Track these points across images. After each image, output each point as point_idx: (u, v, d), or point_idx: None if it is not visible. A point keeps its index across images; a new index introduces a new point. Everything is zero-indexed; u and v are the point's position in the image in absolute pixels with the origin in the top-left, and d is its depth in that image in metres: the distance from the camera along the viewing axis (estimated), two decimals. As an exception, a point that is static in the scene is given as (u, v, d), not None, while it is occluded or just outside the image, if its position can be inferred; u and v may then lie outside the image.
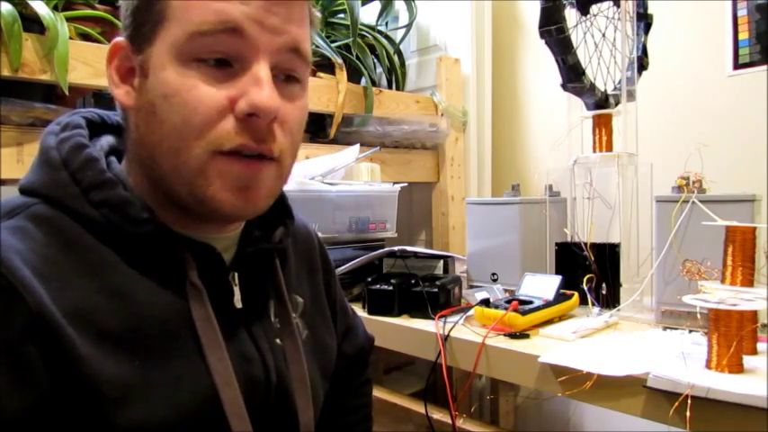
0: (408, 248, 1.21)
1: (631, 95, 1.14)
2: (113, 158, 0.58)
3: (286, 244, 0.67)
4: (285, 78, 0.55)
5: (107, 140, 0.60)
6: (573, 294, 1.06)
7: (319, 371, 0.68)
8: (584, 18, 1.13)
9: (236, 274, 0.60)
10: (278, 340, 0.62)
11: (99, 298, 0.50)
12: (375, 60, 1.67)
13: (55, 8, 1.04)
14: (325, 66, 1.50)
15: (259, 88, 0.51)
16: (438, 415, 1.13)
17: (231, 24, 0.50)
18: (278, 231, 0.65)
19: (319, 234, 1.23)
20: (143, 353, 0.50)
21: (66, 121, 0.58)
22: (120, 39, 0.56)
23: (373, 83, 1.58)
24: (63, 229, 0.51)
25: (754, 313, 0.75)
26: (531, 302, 0.99)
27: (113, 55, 0.56)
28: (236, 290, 0.60)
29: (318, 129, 1.58)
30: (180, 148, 0.51)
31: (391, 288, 1.11)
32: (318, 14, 0.62)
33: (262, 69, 0.52)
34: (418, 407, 1.26)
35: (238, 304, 0.59)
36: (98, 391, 0.47)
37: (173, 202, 0.55)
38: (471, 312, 1.02)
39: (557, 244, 1.17)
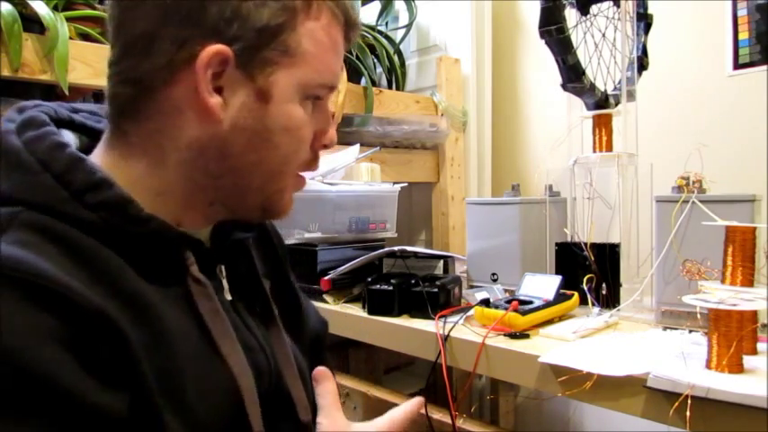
0: (408, 248, 1.21)
1: (631, 95, 1.14)
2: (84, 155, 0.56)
3: (254, 233, 0.68)
4: None
5: (69, 136, 0.57)
6: (573, 294, 1.06)
7: (298, 346, 0.71)
8: (584, 18, 1.13)
9: (222, 267, 0.62)
10: (262, 325, 0.65)
11: (116, 303, 0.48)
12: (375, 60, 1.67)
13: (55, 8, 1.04)
14: (325, 66, 1.49)
15: (333, 127, 0.63)
16: (438, 415, 1.13)
17: (336, 85, 0.61)
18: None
19: (319, 234, 1.23)
20: (167, 357, 0.50)
21: (25, 118, 0.53)
22: (222, 47, 0.52)
23: (373, 83, 1.58)
24: (62, 236, 0.48)
25: (754, 313, 0.75)
26: (531, 302, 0.99)
27: (211, 60, 0.52)
28: (225, 282, 0.62)
29: (318, 129, 1.58)
30: (283, 172, 0.59)
31: (391, 288, 1.11)
32: None
33: (329, 109, 0.63)
34: (418, 407, 1.26)
35: (228, 296, 0.61)
36: (152, 390, 0.47)
37: (208, 203, 0.58)
38: (471, 312, 1.02)
39: (557, 244, 1.17)
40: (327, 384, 0.67)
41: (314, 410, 0.66)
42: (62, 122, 0.58)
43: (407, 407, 0.71)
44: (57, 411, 0.42)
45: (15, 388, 0.40)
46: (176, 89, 0.53)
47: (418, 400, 0.74)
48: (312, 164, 0.62)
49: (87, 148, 0.58)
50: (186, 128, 0.54)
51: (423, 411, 1.01)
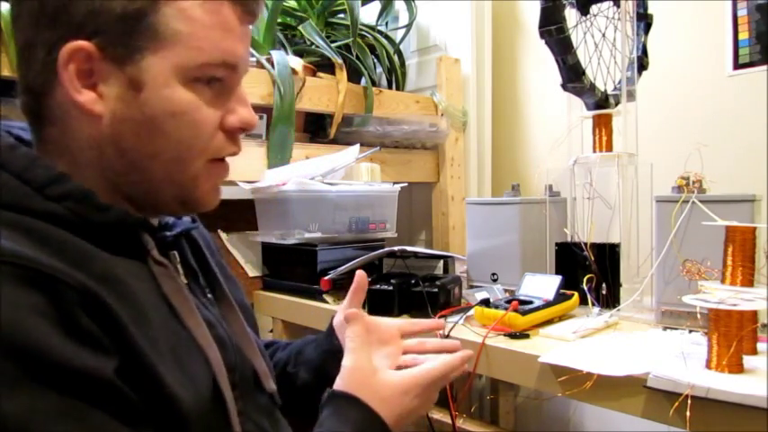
0: (408, 248, 1.21)
1: (631, 95, 1.14)
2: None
3: (196, 221, 0.73)
4: None
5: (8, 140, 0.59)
6: (573, 294, 1.06)
7: (252, 330, 0.73)
8: (584, 18, 1.13)
9: (176, 253, 0.65)
10: (216, 310, 0.68)
11: (96, 286, 0.50)
12: (375, 60, 1.67)
13: (55, 8, 1.04)
14: (325, 66, 1.50)
15: (246, 108, 0.61)
16: (438, 415, 1.13)
17: (233, 63, 0.58)
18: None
19: (319, 234, 1.23)
20: (148, 327, 0.53)
21: None
22: (81, 42, 0.53)
23: (373, 83, 1.58)
24: (32, 230, 0.50)
25: (754, 313, 0.75)
26: (531, 302, 0.99)
27: (71, 58, 0.53)
28: (179, 267, 0.65)
29: (318, 129, 1.58)
30: (185, 159, 0.58)
31: (391, 288, 1.11)
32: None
33: (243, 90, 0.62)
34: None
35: (184, 279, 0.64)
36: (142, 359, 0.50)
37: (127, 198, 0.59)
38: (471, 312, 1.02)
39: (557, 244, 1.17)
40: (356, 327, 0.69)
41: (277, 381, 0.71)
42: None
43: (449, 361, 0.71)
44: (47, 378, 0.45)
45: (6, 359, 0.43)
46: (57, 92, 0.55)
47: (463, 353, 0.74)
48: (227, 148, 0.61)
49: None
50: (79, 128, 0.56)
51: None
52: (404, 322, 0.82)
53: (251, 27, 0.62)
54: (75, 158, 0.57)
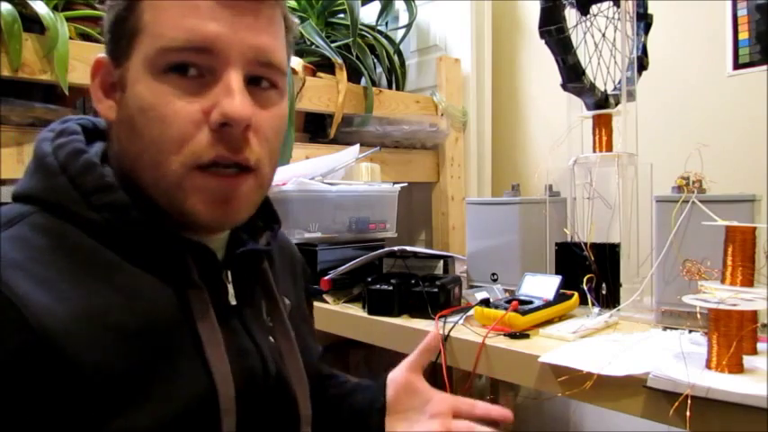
0: (408, 248, 1.21)
1: (631, 95, 1.14)
2: (107, 165, 0.58)
3: (273, 247, 0.68)
4: (260, 85, 0.56)
5: (99, 147, 0.60)
6: (573, 294, 1.06)
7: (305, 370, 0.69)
8: (584, 18, 1.13)
9: (228, 272, 0.61)
10: (271, 338, 0.64)
11: (109, 295, 0.50)
12: (375, 60, 1.67)
13: (55, 8, 1.04)
14: (325, 66, 1.50)
15: (230, 98, 0.51)
16: (438, 415, 1.13)
17: (200, 43, 0.51)
18: (264, 235, 0.67)
19: (319, 234, 1.24)
20: (151, 349, 0.51)
21: (61, 128, 0.58)
22: (102, 55, 0.57)
23: (373, 83, 1.58)
24: (64, 235, 0.51)
25: (754, 313, 0.75)
26: (531, 302, 0.99)
27: (96, 71, 0.57)
28: (230, 287, 0.61)
29: (318, 129, 1.58)
30: (159, 162, 0.52)
31: (391, 288, 1.11)
32: (296, 20, 0.62)
33: (233, 78, 0.52)
34: (418, 407, 1.26)
35: (233, 300, 0.61)
36: (101, 393, 0.47)
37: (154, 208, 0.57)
38: (471, 312, 1.02)
39: (557, 244, 1.17)
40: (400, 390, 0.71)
41: (315, 422, 0.66)
42: (101, 134, 0.61)
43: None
44: None
45: None
46: None
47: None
48: (208, 149, 0.52)
49: None
50: (111, 138, 0.59)
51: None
52: (462, 401, 0.75)
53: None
54: (113, 169, 0.58)
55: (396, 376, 0.78)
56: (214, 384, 0.54)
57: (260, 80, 0.56)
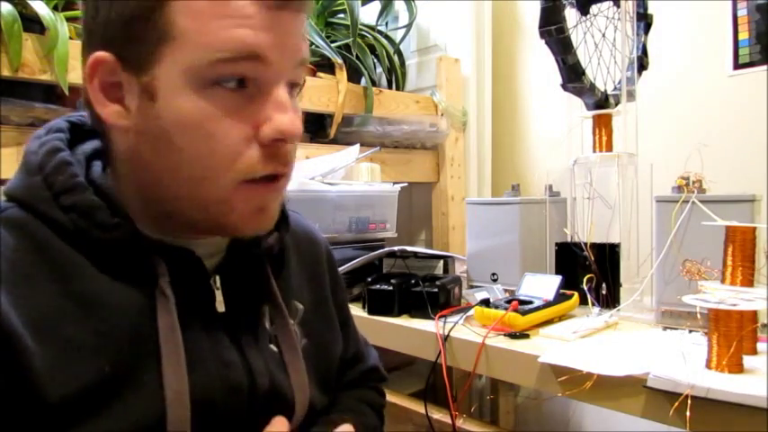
0: (408, 248, 1.21)
1: (631, 95, 1.14)
2: (98, 162, 0.56)
3: (276, 249, 0.64)
4: (293, 89, 0.55)
5: (92, 144, 0.57)
6: (573, 294, 1.06)
7: (315, 380, 0.65)
8: (584, 18, 1.13)
9: (217, 278, 0.58)
10: (273, 346, 0.61)
11: (67, 303, 0.48)
12: (375, 60, 1.67)
13: (55, 8, 1.04)
14: (325, 66, 1.50)
15: (283, 113, 0.51)
16: (438, 415, 1.13)
17: (254, 53, 0.49)
18: (271, 238, 0.63)
19: (319, 234, 1.19)
20: (110, 361, 0.49)
21: (50, 125, 0.56)
22: (101, 53, 0.50)
23: (373, 83, 1.58)
24: (33, 234, 0.50)
25: (754, 313, 0.75)
26: (531, 302, 0.99)
27: (94, 71, 0.51)
28: (218, 293, 0.58)
29: (318, 129, 1.58)
30: (205, 178, 0.51)
31: (391, 288, 1.11)
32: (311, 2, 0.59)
33: (282, 93, 0.51)
34: (418, 407, 1.26)
35: (221, 308, 0.58)
36: (51, 405, 0.45)
37: (167, 215, 0.54)
38: (471, 312, 1.02)
39: (557, 244, 1.17)
40: None
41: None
42: (95, 130, 0.59)
43: None
44: None
45: None
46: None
47: None
48: (259, 167, 0.51)
49: None
50: (115, 141, 0.54)
51: (423, 411, 1.00)
52: None
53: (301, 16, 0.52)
54: (116, 171, 0.55)
55: None
56: (164, 404, 0.50)
57: (295, 85, 0.55)
